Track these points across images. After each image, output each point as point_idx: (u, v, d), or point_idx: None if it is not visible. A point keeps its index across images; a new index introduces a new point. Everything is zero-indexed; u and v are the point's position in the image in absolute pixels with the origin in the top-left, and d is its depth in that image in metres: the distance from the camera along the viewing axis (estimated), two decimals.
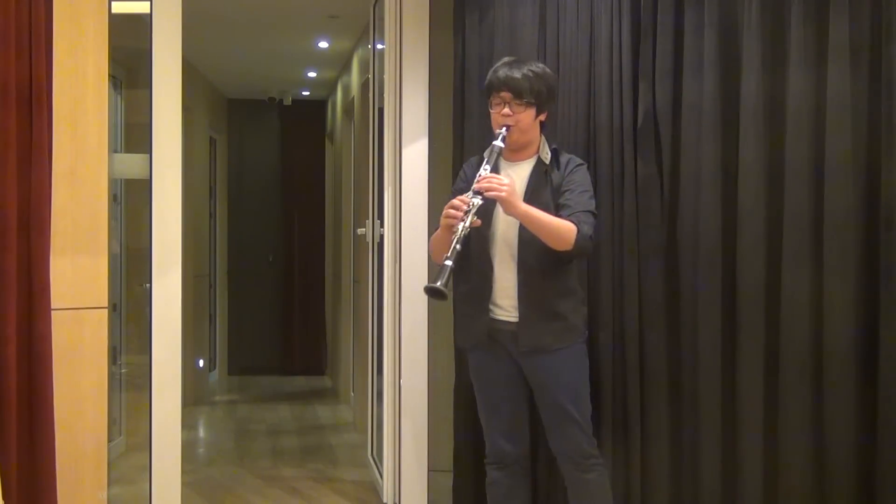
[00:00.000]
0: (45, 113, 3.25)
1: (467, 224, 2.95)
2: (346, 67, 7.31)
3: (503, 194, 2.99)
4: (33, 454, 3.22)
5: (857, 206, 3.49)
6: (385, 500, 4.26)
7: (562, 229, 3.06)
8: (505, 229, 3.17)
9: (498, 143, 3.12)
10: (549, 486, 3.58)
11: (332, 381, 8.46)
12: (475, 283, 3.22)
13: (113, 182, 4.30)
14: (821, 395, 3.51)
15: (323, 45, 6.86)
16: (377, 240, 4.63)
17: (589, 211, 3.15)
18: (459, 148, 3.77)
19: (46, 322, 3.25)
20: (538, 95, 3.15)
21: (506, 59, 3.26)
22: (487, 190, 2.98)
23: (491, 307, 3.20)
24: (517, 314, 3.16)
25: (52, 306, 3.28)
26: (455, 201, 3.02)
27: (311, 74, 8.13)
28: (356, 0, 5.13)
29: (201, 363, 7.75)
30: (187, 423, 6.03)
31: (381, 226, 4.42)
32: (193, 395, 7.19)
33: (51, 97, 3.29)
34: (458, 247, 2.93)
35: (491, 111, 3.21)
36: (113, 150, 3.79)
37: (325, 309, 8.87)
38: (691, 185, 3.59)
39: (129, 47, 4.51)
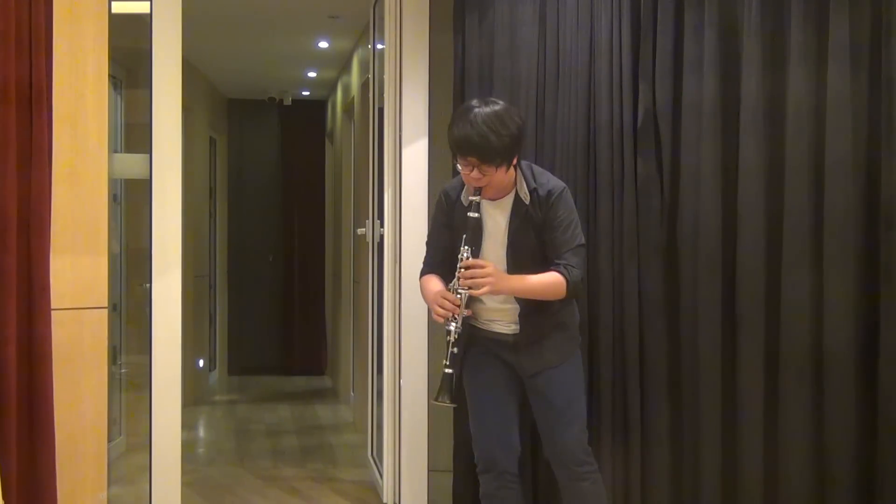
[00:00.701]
0: (45, 113, 3.25)
1: (459, 324, 3.00)
2: (346, 67, 7.31)
3: (487, 289, 2.98)
4: (33, 454, 3.22)
5: (857, 206, 3.49)
6: (385, 500, 4.26)
7: (551, 287, 3.05)
8: (495, 262, 3.08)
9: (473, 214, 3.03)
10: (548, 497, 3.58)
11: (332, 381, 8.46)
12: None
13: (113, 182, 4.28)
14: (821, 395, 3.51)
15: (323, 45, 6.85)
16: (377, 240, 4.63)
17: (577, 246, 3.09)
18: None
19: (46, 322, 3.24)
20: (505, 151, 2.95)
21: (465, 108, 3.02)
22: (472, 287, 2.98)
23: (486, 322, 3.19)
24: (516, 328, 3.15)
25: (52, 306, 3.28)
26: (444, 301, 3.00)
27: (311, 74, 8.13)
28: (356, 0, 5.13)
29: (201, 363, 7.75)
30: (187, 423, 6.02)
31: (381, 226, 4.42)
32: (193, 395, 7.18)
33: (51, 97, 3.28)
34: (454, 350, 2.99)
35: (458, 165, 3.05)
36: (113, 150, 3.78)
37: (325, 309, 8.86)
38: (691, 184, 3.59)
39: (129, 47, 4.51)
